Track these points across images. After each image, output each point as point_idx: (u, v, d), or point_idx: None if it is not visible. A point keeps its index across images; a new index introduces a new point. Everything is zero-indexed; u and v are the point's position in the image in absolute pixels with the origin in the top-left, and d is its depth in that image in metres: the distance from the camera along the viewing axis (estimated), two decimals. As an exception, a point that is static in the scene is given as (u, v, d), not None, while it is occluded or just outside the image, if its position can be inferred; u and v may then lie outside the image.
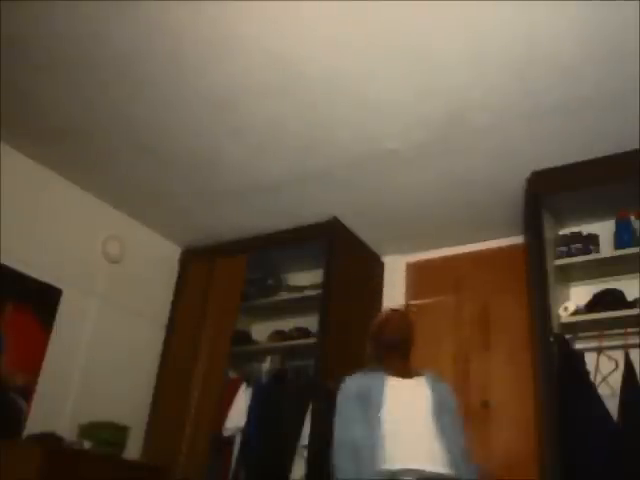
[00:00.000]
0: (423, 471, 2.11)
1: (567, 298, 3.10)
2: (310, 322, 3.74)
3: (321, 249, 3.65)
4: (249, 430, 3.51)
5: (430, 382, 2.42)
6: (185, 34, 2.47)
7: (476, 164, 3.10)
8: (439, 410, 2.31)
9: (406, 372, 2.43)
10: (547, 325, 2.78)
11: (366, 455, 2.15)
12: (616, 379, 2.76)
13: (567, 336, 2.85)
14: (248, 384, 3.73)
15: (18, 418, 3.13)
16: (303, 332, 3.80)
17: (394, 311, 2.65)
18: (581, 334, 2.93)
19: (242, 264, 3.90)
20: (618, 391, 2.70)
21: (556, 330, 2.82)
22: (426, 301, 3.83)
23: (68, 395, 3.39)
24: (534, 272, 2.98)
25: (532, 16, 2.22)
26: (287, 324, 3.96)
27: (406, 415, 2.27)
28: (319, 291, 3.61)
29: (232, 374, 3.91)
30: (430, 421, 2.26)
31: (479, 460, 3.18)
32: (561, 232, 3.23)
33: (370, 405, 2.26)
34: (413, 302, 3.83)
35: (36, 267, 3.34)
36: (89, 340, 3.57)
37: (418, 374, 2.44)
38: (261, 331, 4.13)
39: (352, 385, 2.37)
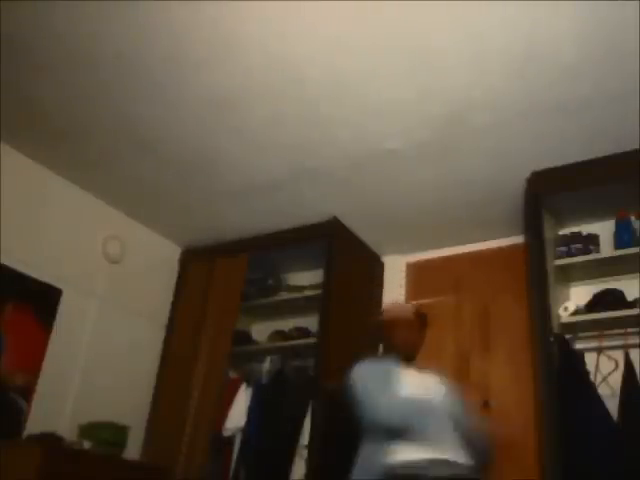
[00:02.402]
0: (455, 463, 2.04)
1: (567, 298, 3.10)
2: (310, 322, 3.74)
3: (321, 249, 3.65)
4: (249, 430, 3.51)
5: (443, 381, 2.37)
6: (185, 34, 2.47)
7: (476, 164, 3.10)
8: (452, 404, 2.26)
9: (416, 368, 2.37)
10: (547, 325, 2.78)
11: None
12: (616, 379, 2.76)
13: (567, 336, 2.85)
14: (248, 384, 3.73)
15: (18, 418, 3.12)
16: (303, 332, 3.80)
17: (405, 316, 2.47)
18: (581, 334, 2.93)
19: (242, 264, 3.89)
20: (618, 391, 2.70)
21: (556, 330, 2.82)
22: (426, 301, 3.83)
23: (68, 395, 3.39)
24: (534, 272, 2.99)
25: (532, 16, 2.23)
26: (287, 324, 3.96)
27: (425, 398, 2.20)
28: (319, 291, 3.61)
29: (232, 374, 3.91)
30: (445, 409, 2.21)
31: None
32: (561, 232, 3.22)
33: (390, 382, 2.20)
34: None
35: (36, 267, 3.34)
36: (89, 340, 3.56)
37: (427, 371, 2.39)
38: (261, 331, 4.12)
39: (369, 367, 2.30)
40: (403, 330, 2.40)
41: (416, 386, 2.23)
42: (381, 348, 2.53)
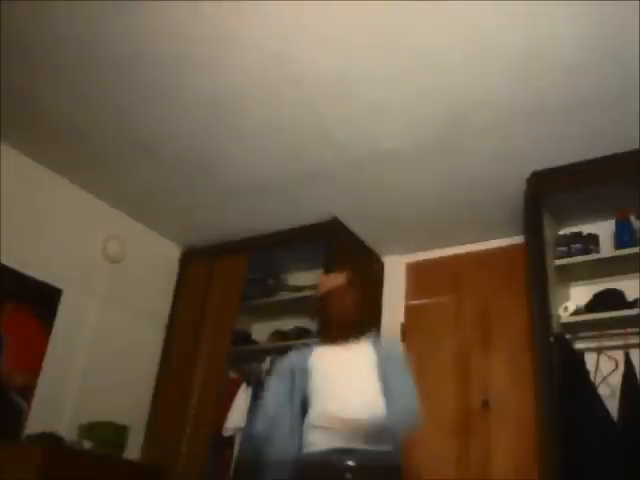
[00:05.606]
0: (352, 449, 2.12)
1: (567, 298, 3.10)
2: (310, 322, 3.73)
3: (321, 249, 3.65)
4: (249, 430, 3.50)
5: (372, 345, 2.38)
6: (184, 34, 2.47)
7: (476, 164, 3.10)
8: (380, 366, 2.29)
9: (346, 341, 2.39)
10: (547, 325, 2.78)
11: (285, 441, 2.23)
12: (616, 379, 2.76)
13: (567, 336, 2.85)
14: (248, 384, 3.73)
15: (18, 418, 3.13)
16: (303, 332, 3.80)
17: (337, 285, 2.49)
18: (581, 334, 2.93)
19: (242, 264, 3.90)
20: (618, 391, 2.70)
21: (556, 330, 2.82)
22: (426, 301, 3.83)
23: (68, 395, 3.39)
24: (534, 272, 2.99)
25: (532, 16, 2.23)
26: (287, 324, 3.96)
27: (338, 375, 2.27)
28: (319, 291, 3.60)
29: (232, 374, 3.91)
30: (368, 377, 2.26)
31: (478, 464, 3.21)
32: (561, 232, 3.22)
33: (295, 385, 2.31)
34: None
35: (36, 267, 3.34)
36: (89, 340, 3.56)
37: (359, 340, 2.40)
38: (261, 331, 4.12)
39: (285, 363, 2.43)
40: (337, 299, 2.44)
41: (334, 367, 2.30)
42: (319, 325, 2.57)
